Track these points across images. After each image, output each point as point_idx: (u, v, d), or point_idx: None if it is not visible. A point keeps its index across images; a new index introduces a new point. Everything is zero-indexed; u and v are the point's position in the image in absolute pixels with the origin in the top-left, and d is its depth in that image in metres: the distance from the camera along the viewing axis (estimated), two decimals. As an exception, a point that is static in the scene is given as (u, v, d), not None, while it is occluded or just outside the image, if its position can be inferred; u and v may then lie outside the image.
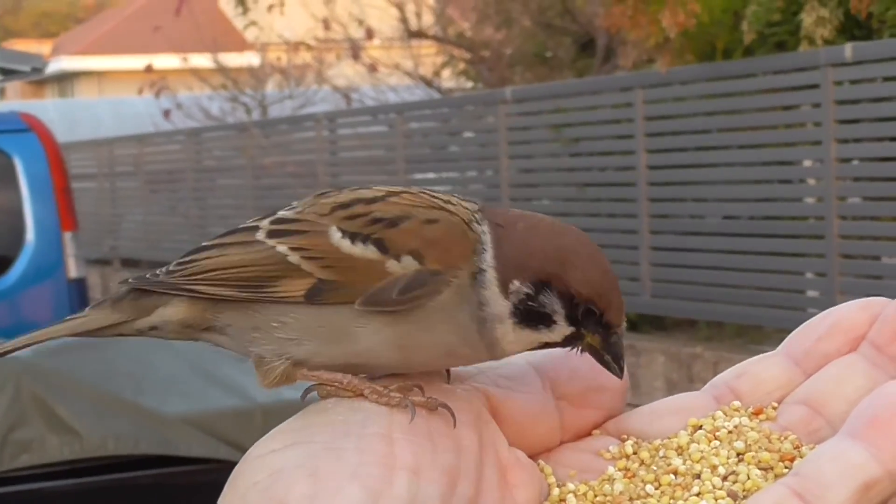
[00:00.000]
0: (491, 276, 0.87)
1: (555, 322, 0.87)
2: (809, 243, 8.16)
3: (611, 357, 0.88)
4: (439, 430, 0.82)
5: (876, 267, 8.05)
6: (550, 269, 0.87)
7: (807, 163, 8.45)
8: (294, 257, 0.88)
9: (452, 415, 0.83)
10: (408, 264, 0.86)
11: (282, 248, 0.89)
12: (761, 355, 0.90)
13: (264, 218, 0.92)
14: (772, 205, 8.45)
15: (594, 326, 0.88)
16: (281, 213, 0.92)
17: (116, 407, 4.47)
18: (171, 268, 0.92)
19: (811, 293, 8.34)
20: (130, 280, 0.93)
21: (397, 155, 12.03)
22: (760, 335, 9.27)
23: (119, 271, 16.59)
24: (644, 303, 9.07)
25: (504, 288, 0.87)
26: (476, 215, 0.89)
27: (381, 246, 0.87)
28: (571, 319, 0.87)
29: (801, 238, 8.28)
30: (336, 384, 0.85)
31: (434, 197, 0.90)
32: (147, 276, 0.93)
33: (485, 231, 0.88)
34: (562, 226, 0.89)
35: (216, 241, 0.92)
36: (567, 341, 0.88)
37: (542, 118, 10.28)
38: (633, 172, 9.19)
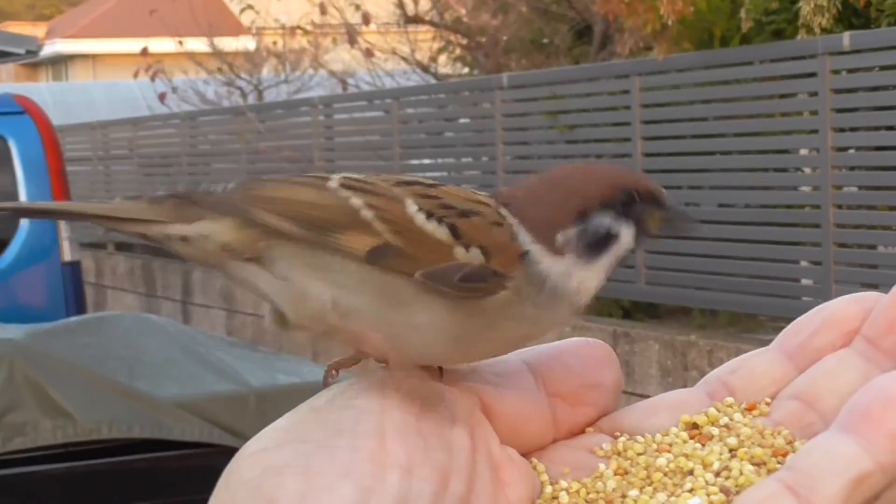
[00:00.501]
0: (536, 252, 0.86)
1: (616, 233, 0.87)
2: (805, 232, 8.17)
3: (677, 219, 0.89)
4: (431, 428, 0.82)
5: (871, 256, 8.07)
6: (572, 203, 0.87)
7: (803, 151, 8.45)
8: (367, 213, 0.86)
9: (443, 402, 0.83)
10: (475, 256, 0.85)
11: (357, 201, 0.86)
12: (755, 351, 0.90)
13: (330, 173, 0.90)
14: (768, 193, 8.46)
15: (643, 208, 0.88)
16: (346, 174, 0.89)
17: (110, 391, 4.47)
18: (229, 188, 0.88)
19: (806, 282, 8.35)
20: (181, 190, 0.89)
21: (393, 140, 12.03)
22: (755, 323, 9.29)
23: (113, 255, 16.58)
24: (639, 290, 9.08)
25: (552, 251, 0.86)
26: (498, 206, 0.88)
27: (455, 231, 0.85)
28: (625, 218, 0.88)
29: (796, 226, 8.29)
30: (368, 339, 0.84)
31: (473, 193, 0.89)
32: (200, 191, 0.88)
33: (507, 218, 0.87)
34: (550, 171, 0.90)
35: (284, 178, 0.89)
36: (638, 238, 0.88)
37: (538, 105, 10.27)
38: (630, 160, 9.19)
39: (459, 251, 0.85)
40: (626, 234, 0.88)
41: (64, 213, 0.92)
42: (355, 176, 0.89)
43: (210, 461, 4.39)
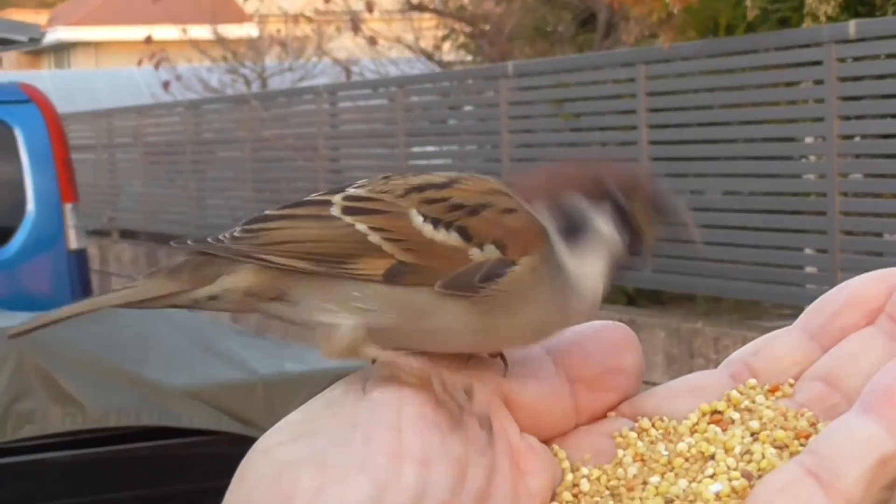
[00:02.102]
0: (552, 235, 0.87)
1: (591, 221, 0.87)
2: (810, 219, 8.16)
3: (661, 211, 0.88)
4: (448, 419, 0.81)
5: (877, 244, 8.06)
6: (550, 187, 0.88)
7: (809, 139, 8.44)
8: (374, 237, 0.87)
9: (490, 436, 0.82)
10: (490, 253, 0.85)
11: (361, 227, 0.87)
12: (777, 331, 0.89)
13: (333, 193, 0.90)
14: (773, 181, 8.45)
15: (630, 204, 0.88)
16: (352, 191, 0.90)
17: (119, 379, 4.48)
18: (236, 234, 0.90)
19: (811, 269, 8.35)
20: (190, 242, 0.91)
21: (397, 128, 12.01)
22: (759, 311, 9.28)
23: (117, 242, 16.58)
24: (644, 277, 9.08)
25: (561, 235, 0.87)
26: (512, 193, 0.89)
27: (465, 233, 0.86)
28: (622, 220, 0.88)
29: (802, 214, 8.28)
30: (404, 368, 0.83)
31: (489, 182, 0.90)
32: (209, 240, 0.90)
33: (522, 203, 0.88)
34: (558, 162, 0.92)
35: (286, 212, 0.90)
36: (625, 233, 0.88)
37: (543, 93, 10.26)
38: (635, 148, 9.18)
39: (474, 252, 0.85)
40: (603, 226, 0.88)
41: (91, 311, 0.93)
42: (360, 193, 0.89)
43: (217, 449, 4.40)
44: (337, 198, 0.89)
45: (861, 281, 0.87)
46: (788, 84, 8.51)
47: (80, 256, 8.23)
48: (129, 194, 17.31)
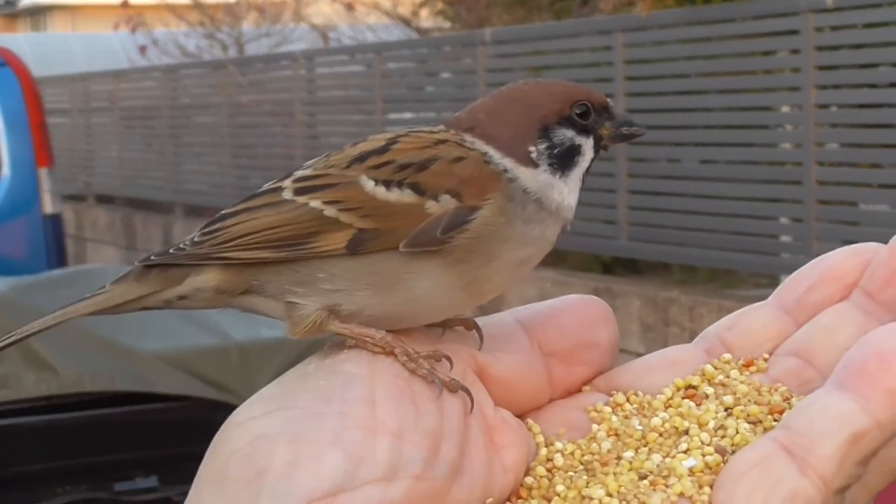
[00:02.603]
0: (512, 169, 0.88)
1: (579, 144, 0.90)
2: (786, 188, 8.17)
3: (626, 128, 0.92)
4: (422, 392, 0.81)
5: (853, 213, 8.08)
6: (534, 117, 0.90)
7: (785, 108, 8.45)
8: (330, 210, 0.87)
9: (471, 399, 0.82)
10: (446, 202, 0.86)
11: (315, 203, 0.88)
12: (752, 306, 0.89)
13: (282, 179, 0.91)
14: (749, 150, 8.46)
15: (596, 120, 0.91)
16: (300, 173, 0.91)
17: (93, 344, 4.46)
18: (196, 238, 0.90)
19: (786, 238, 8.37)
20: (153, 257, 0.91)
21: (374, 95, 11.98)
22: (735, 280, 9.31)
23: (93, 207, 16.52)
24: (620, 246, 9.09)
25: (526, 164, 0.88)
26: (460, 136, 0.90)
27: (417, 189, 0.86)
28: (583, 130, 0.90)
29: (777, 183, 8.29)
30: (367, 338, 0.84)
31: (431, 133, 0.90)
32: (170, 251, 0.91)
33: (474, 143, 0.89)
34: (505, 89, 0.93)
35: (240, 207, 0.91)
36: (596, 149, 0.92)
37: (520, 60, 10.24)
38: (612, 116, 9.17)
39: (431, 205, 0.86)
40: (587, 146, 0.91)
41: (64, 322, 0.94)
42: (306, 173, 0.90)
43: (192, 414, 4.39)
44: (287, 182, 0.90)
45: (836, 255, 0.87)
46: (765, 53, 8.51)
47: (56, 221, 8.19)
48: (105, 159, 17.24)
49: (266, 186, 0.91)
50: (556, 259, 9.43)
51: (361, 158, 0.89)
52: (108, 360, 4.44)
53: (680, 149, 9.04)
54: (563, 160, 0.89)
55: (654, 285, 8.79)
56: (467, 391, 0.82)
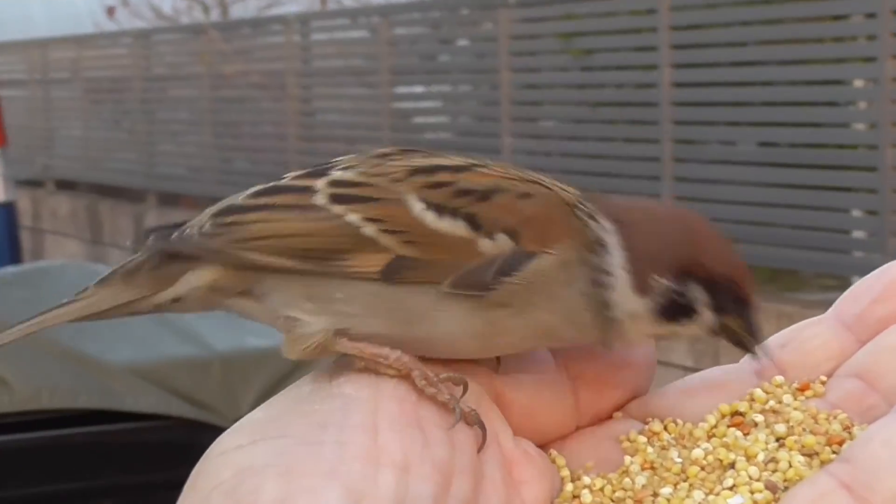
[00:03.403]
0: (619, 270, 0.87)
1: (698, 312, 0.89)
2: (858, 176, 8.16)
3: (751, 335, 0.89)
4: (431, 419, 0.82)
5: (935, 205, 8.07)
6: (690, 258, 0.88)
7: (858, 83, 8.43)
8: (369, 229, 0.86)
9: (483, 434, 0.83)
10: (502, 243, 0.85)
11: (353, 218, 0.87)
12: (809, 320, 0.90)
13: (314, 176, 0.90)
14: (816, 131, 8.44)
15: (733, 308, 0.89)
16: (339, 174, 0.89)
17: (53, 354, 4.47)
18: (206, 229, 0.90)
19: (858, 234, 8.35)
20: (151, 241, 0.91)
21: (380, 65, 11.98)
22: (797, 281, 9.29)
23: (53, 194, 16.55)
24: (664, 242, 9.07)
25: (639, 284, 0.87)
26: (583, 203, 0.89)
27: (473, 221, 0.85)
28: (715, 307, 0.89)
29: (849, 170, 8.28)
30: (381, 359, 0.84)
31: (526, 173, 0.89)
32: (172, 237, 0.90)
33: (597, 218, 0.88)
34: (677, 210, 0.91)
35: (262, 201, 0.90)
36: (710, 331, 0.90)
37: (549, 26, 10.23)
38: (655, 91, 9.17)
39: (484, 243, 0.85)
40: (704, 320, 0.89)
41: (41, 330, 0.94)
42: (346, 177, 0.89)
43: (167, 435, 4.40)
44: (321, 183, 0.89)
45: None
46: (835, 17, 8.49)
47: (9, 210, 8.21)
48: (67, 138, 17.25)
49: (292, 180, 0.90)
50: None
51: (430, 171, 0.88)
52: (71, 373, 4.45)
53: (735, 129, 9.02)
54: (670, 310, 0.89)
55: (703, 288, 8.77)
56: (483, 427, 0.83)
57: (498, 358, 0.88)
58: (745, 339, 0.89)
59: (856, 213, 8.34)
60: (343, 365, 0.85)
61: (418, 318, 0.85)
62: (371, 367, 0.84)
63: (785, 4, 8.63)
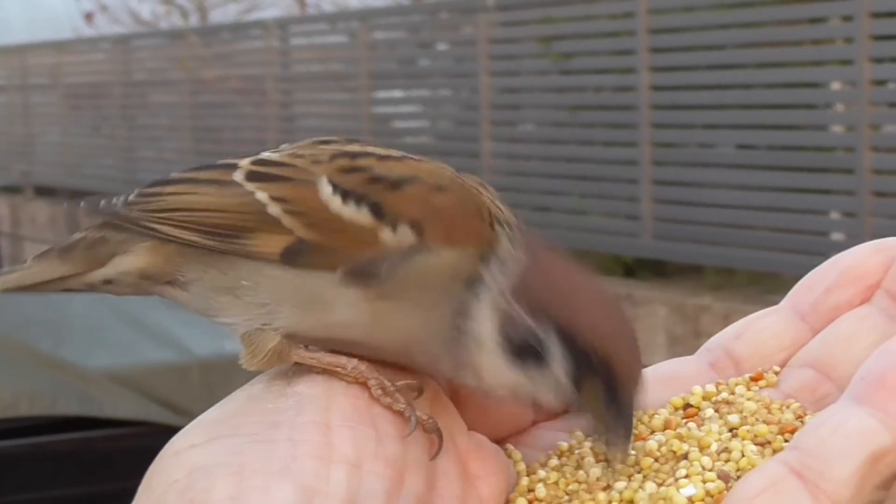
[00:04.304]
0: (494, 285, 0.84)
1: (547, 364, 0.83)
2: (837, 178, 8.17)
3: (612, 434, 0.83)
4: (384, 416, 0.82)
5: (912, 207, 8.10)
6: (561, 306, 0.83)
7: (835, 85, 8.45)
8: (274, 208, 0.86)
9: (439, 442, 0.82)
10: (404, 236, 0.84)
11: (261, 196, 0.86)
12: (763, 311, 0.89)
13: (248, 157, 0.89)
14: (794, 133, 8.45)
15: (596, 387, 0.83)
16: (266, 154, 0.89)
17: (30, 360, 4.46)
18: (130, 198, 0.90)
19: (837, 236, 8.37)
20: (82, 205, 0.92)
21: (359, 69, 11.97)
22: (777, 283, 9.30)
23: (32, 201, 16.50)
24: (644, 245, 9.09)
25: (501, 313, 0.84)
26: (508, 223, 0.86)
27: (377, 210, 0.84)
28: (569, 368, 0.83)
29: (827, 172, 8.30)
30: (339, 368, 0.83)
31: (460, 176, 0.87)
32: (102, 203, 0.91)
33: (510, 233, 0.85)
34: (603, 288, 0.86)
35: (187, 175, 0.90)
36: (563, 394, 0.84)
37: (529, 29, 10.23)
38: (634, 94, 9.18)
39: (385, 234, 0.84)
40: (551, 378, 0.84)
41: None
42: (274, 156, 0.88)
43: (146, 441, 4.39)
44: (245, 161, 0.89)
45: (856, 253, 0.89)
46: (813, 21, 8.51)
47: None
48: (46, 145, 17.20)
49: (226, 160, 0.90)
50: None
51: (354, 156, 0.87)
52: (49, 379, 4.44)
53: (713, 132, 9.03)
54: (517, 349, 0.83)
55: (683, 290, 8.80)
56: (440, 435, 0.82)
57: None
58: (599, 422, 0.83)
59: (834, 215, 8.36)
60: (294, 365, 0.85)
61: (317, 304, 0.84)
62: (329, 376, 0.84)
63: (763, 8, 8.64)
